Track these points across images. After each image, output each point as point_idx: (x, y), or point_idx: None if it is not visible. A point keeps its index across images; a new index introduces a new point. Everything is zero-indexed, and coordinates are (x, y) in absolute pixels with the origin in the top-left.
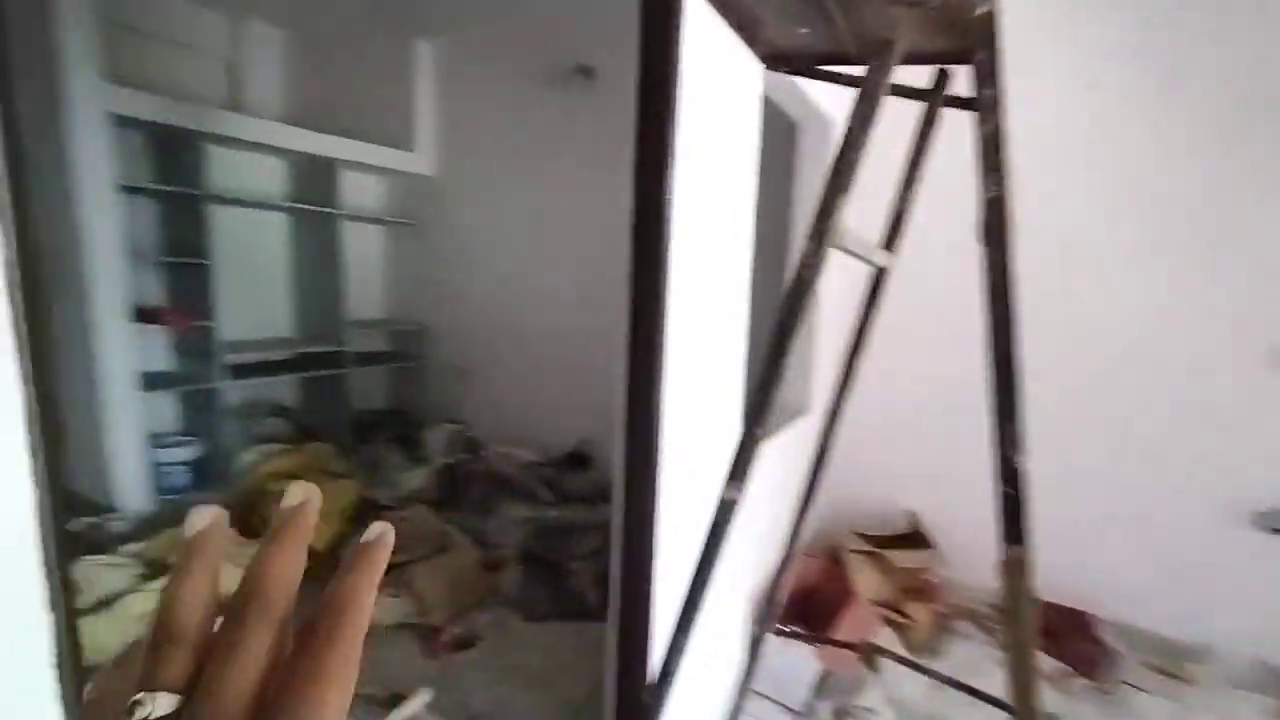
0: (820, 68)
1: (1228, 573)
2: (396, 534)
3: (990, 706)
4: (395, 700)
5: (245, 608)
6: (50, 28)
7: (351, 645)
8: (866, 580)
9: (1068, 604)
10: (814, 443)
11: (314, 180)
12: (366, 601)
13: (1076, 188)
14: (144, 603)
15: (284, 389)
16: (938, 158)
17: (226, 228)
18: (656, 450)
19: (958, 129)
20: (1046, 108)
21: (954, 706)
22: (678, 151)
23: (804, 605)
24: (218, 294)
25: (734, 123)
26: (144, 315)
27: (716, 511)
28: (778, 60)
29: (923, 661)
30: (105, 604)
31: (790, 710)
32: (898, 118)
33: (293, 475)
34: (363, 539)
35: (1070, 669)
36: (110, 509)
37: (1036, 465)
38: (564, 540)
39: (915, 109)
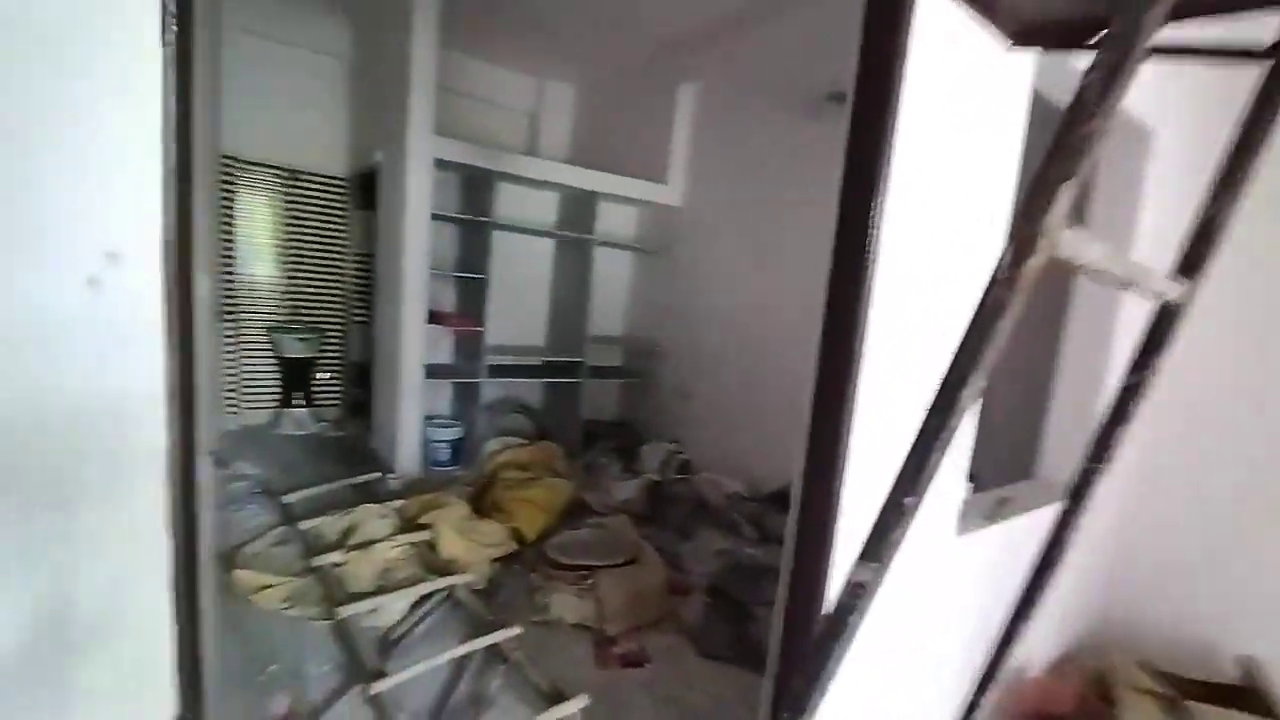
0: (1084, 42)
1: None
2: (595, 539)
3: None
4: (556, 697)
5: None
6: (407, 94)
7: None
8: None
9: None
10: (1047, 530)
11: (578, 210)
12: None
13: None
14: (392, 551)
15: (530, 390)
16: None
17: (504, 250)
18: (833, 521)
19: None
20: None
21: None
22: (895, 157)
23: None
24: (490, 305)
25: (980, 120)
26: (434, 318)
27: (843, 593)
28: (1028, 35)
29: None
30: (364, 546)
31: None
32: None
33: (523, 467)
34: None
35: None
36: (392, 470)
37: None
38: (755, 581)
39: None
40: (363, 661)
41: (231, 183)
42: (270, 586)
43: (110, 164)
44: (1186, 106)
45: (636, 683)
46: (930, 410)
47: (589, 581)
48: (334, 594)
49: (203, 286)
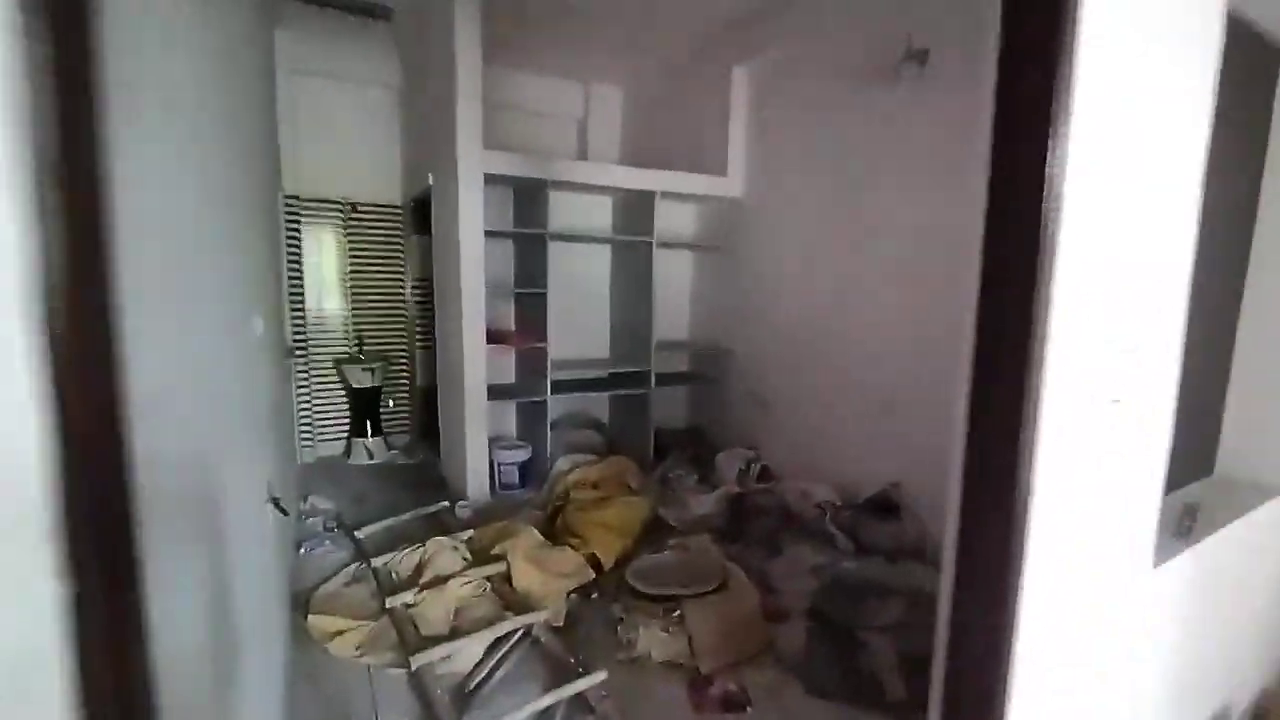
0: None
1: None
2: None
3: None
4: None
5: None
6: (454, 111)
7: None
8: None
9: None
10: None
11: (634, 213)
12: None
13: None
14: (465, 588)
15: (597, 404)
16: None
17: (562, 262)
18: (1019, 533)
19: None
20: None
21: None
22: (1074, 103)
23: None
24: (551, 319)
25: (1167, 44)
26: (494, 337)
27: None
28: None
29: None
30: (436, 584)
31: None
32: None
33: (595, 485)
34: None
35: None
36: (461, 497)
37: None
38: (859, 600)
39: None
40: (438, 717)
41: (295, 221)
42: (344, 632)
43: None
44: None
45: None
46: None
47: (676, 613)
48: (407, 639)
49: (257, 327)
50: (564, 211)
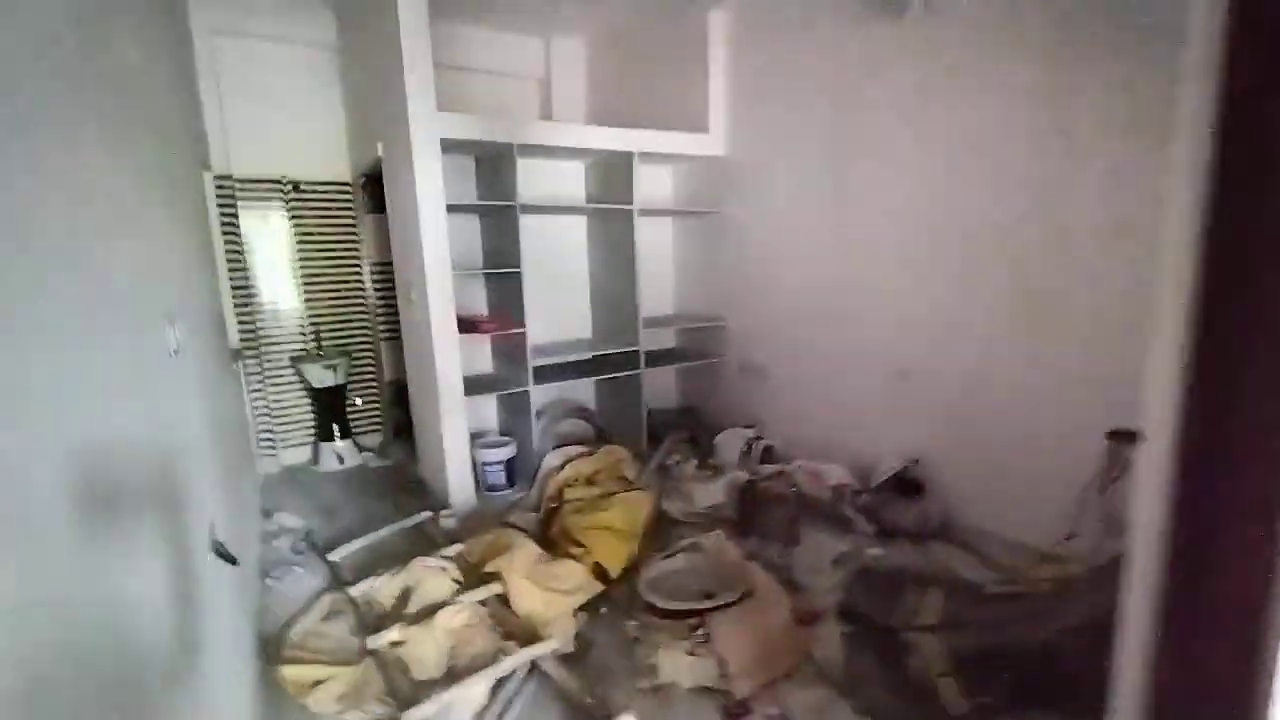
0: None
1: None
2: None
3: None
4: None
5: None
6: (401, 68)
7: None
8: None
9: None
10: None
11: (611, 178)
12: None
13: None
14: (457, 618)
15: (584, 389)
16: None
17: (535, 237)
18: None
19: None
20: None
21: None
22: None
23: None
24: (528, 300)
25: None
26: (466, 325)
27: None
28: None
29: None
30: (425, 616)
31: None
32: None
33: (590, 480)
34: None
35: None
36: (444, 503)
37: None
38: (894, 593)
39: None
40: None
41: (231, 206)
42: (323, 682)
43: None
44: None
45: None
46: None
47: (700, 631)
48: (396, 687)
49: (170, 340)
50: (532, 181)
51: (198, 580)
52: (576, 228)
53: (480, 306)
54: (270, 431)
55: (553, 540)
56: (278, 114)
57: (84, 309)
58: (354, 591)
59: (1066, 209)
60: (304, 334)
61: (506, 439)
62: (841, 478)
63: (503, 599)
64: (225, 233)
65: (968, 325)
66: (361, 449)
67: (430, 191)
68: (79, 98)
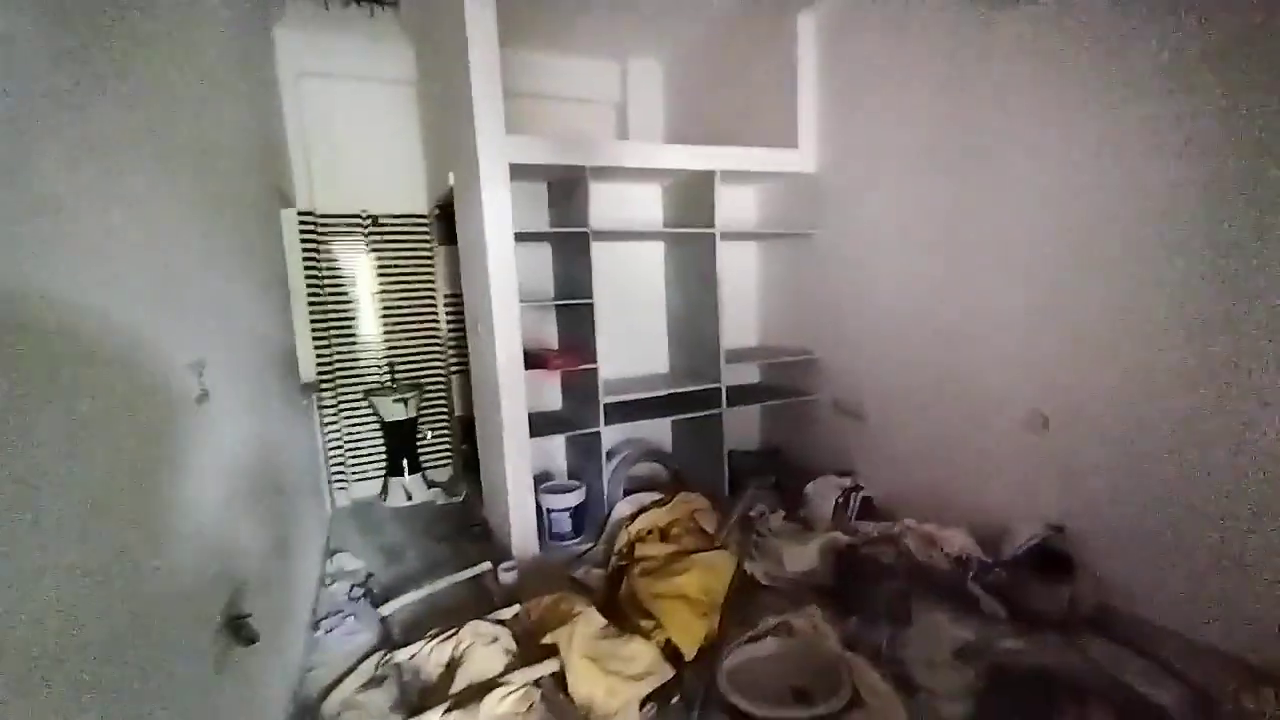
0: None
1: None
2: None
3: None
4: None
5: None
6: (469, 92)
7: None
8: None
9: None
10: None
11: (690, 200)
12: None
13: None
14: (504, 703)
15: (659, 430)
16: None
17: (609, 266)
18: None
19: None
20: None
21: None
22: None
23: None
24: (601, 334)
25: None
26: (534, 360)
27: None
28: None
29: None
30: (472, 698)
31: None
32: None
33: (665, 532)
34: None
35: None
36: (507, 551)
37: None
38: (1046, 707)
39: None
40: None
41: (313, 240)
42: None
43: None
44: None
45: None
46: None
47: None
48: None
49: (193, 387)
50: (607, 207)
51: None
52: (653, 255)
53: (551, 340)
54: (343, 465)
55: (619, 605)
56: (359, 150)
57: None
58: (401, 655)
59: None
60: (379, 367)
61: (575, 484)
62: (965, 546)
63: (560, 680)
64: (307, 268)
65: (1124, 359)
66: (431, 484)
67: (497, 218)
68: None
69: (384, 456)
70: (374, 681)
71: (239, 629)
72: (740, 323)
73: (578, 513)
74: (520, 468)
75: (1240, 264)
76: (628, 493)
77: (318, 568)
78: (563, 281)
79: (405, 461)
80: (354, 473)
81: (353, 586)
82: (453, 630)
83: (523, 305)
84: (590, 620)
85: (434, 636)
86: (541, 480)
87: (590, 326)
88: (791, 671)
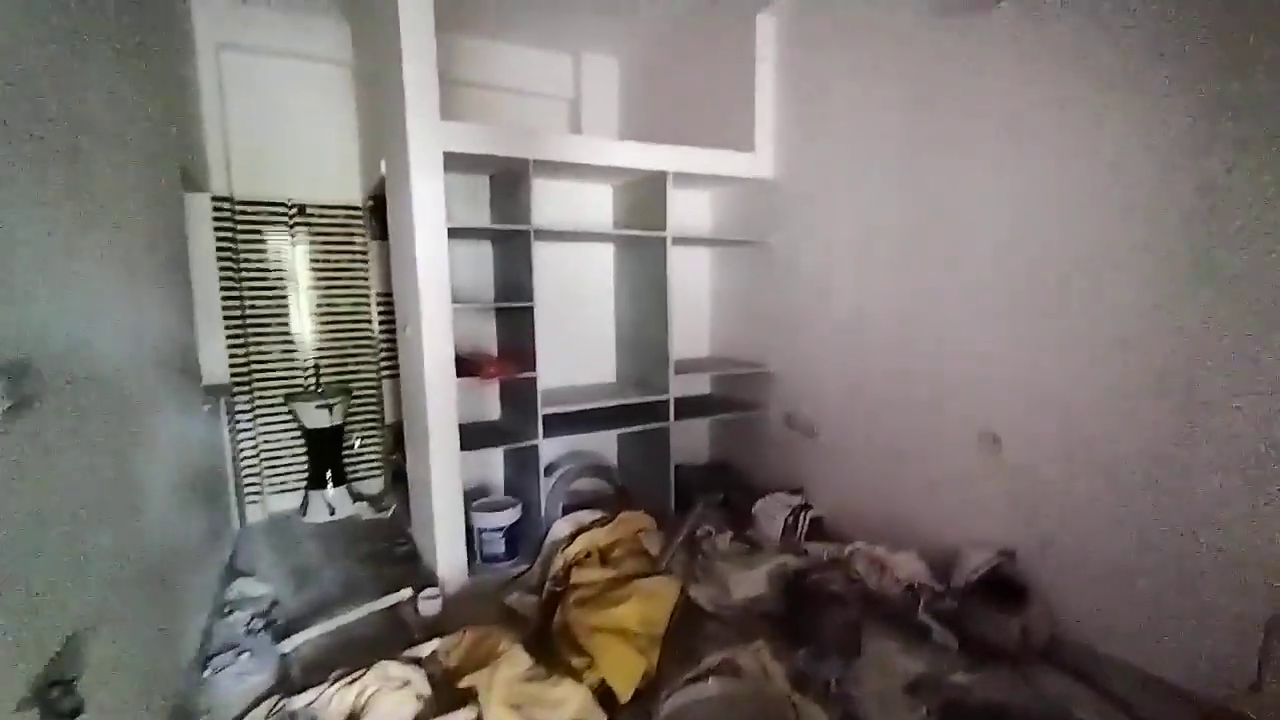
0: None
1: None
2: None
3: None
4: None
5: None
6: (400, 72)
7: None
8: None
9: None
10: None
11: (642, 202)
12: None
13: None
14: None
15: (603, 442)
16: None
17: (553, 268)
18: None
19: None
20: None
21: None
22: None
23: None
24: (541, 340)
25: None
26: (466, 367)
27: None
28: None
29: None
30: None
31: None
32: None
33: (604, 555)
34: None
35: None
36: (431, 576)
37: None
38: None
39: None
40: None
41: (229, 229)
42: None
43: None
44: None
45: None
46: None
47: None
48: None
49: None
50: (554, 206)
51: None
52: (604, 259)
53: (492, 346)
54: (258, 476)
55: (552, 638)
56: (286, 133)
57: None
58: (298, 702)
59: (1218, 233)
60: (303, 370)
61: (510, 501)
62: (916, 572)
63: None
64: (222, 260)
65: (1081, 381)
66: (357, 497)
67: (429, 210)
68: None
69: (304, 466)
70: None
71: (55, 702)
72: (691, 332)
73: (512, 532)
74: (448, 483)
75: (1192, 284)
76: (569, 510)
77: (212, 596)
78: (503, 283)
79: (329, 473)
80: (271, 485)
81: (253, 617)
82: (360, 672)
83: (459, 307)
84: (515, 661)
85: (337, 679)
86: (475, 496)
87: (530, 332)
88: (736, 717)
